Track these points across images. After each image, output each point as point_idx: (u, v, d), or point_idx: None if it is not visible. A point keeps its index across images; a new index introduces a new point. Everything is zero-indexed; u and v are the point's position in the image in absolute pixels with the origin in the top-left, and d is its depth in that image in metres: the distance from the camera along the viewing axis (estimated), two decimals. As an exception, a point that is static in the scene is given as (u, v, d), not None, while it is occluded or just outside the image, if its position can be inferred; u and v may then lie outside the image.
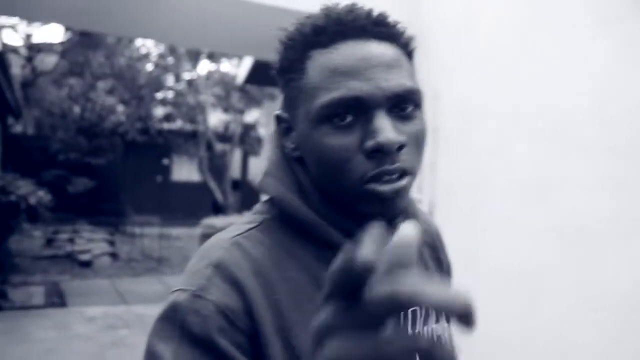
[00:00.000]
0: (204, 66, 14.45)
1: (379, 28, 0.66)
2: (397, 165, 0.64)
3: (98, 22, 4.60)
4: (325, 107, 0.64)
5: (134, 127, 13.80)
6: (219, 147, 14.45)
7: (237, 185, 15.53)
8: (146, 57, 14.02)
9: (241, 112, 14.48)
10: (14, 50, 17.56)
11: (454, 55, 3.99)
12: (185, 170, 16.12)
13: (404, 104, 0.66)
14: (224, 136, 14.92)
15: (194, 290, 0.61)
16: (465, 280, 3.35)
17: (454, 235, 3.88)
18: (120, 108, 14.06)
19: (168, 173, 16.24)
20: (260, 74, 7.18)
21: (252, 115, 15.34)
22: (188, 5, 3.74)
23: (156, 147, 15.14)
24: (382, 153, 0.63)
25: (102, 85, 13.87)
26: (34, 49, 16.40)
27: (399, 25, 0.69)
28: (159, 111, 15.02)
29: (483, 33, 3.78)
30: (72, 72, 14.45)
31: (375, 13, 0.68)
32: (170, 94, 14.84)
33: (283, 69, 0.70)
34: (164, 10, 3.90)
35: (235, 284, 0.62)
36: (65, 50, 15.36)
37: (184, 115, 14.32)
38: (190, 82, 14.08)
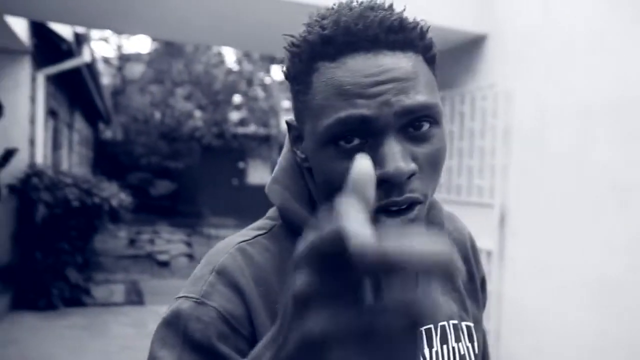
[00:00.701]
0: (277, 71, 14.74)
1: (393, 36, 0.59)
2: (405, 196, 0.58)
3: (179, 31, 4.82)
4: (329, 129, 0.58)
5: (210, 131, 14.31)
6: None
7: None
8: (222, 63, 14.51)
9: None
10: (106, 60, 18.76)
11: (529, 54, 3.79)
12: (259, 174, 16.49)
13: (419, 121, 0.60)
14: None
15: (196, 298, 0.60)
16: (539, 289, 3.17)
17: (526, 242, 3.71)
18: (198, 113, 14.64)
19: (244, 176, 16.68)
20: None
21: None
22: (262, 13, 3.82)
23: (231, 151, 15.61)
24: (389, 183, 0.57)
25: (180, 91, 14.50)
26: (124, 59, 17.43)
27: (417, 30, 0.62)
28: (234, 116, 15.48)
29: (559, 29, 3.56)
30: (154, 80, 15.23)
31: (391, 18, 0.60)
32: (244, 99, 15.26)
33: (290, 78, 0.65)
34: (239, 18, 4.00)
35: (238, 290, 0.61)
36: (151, 59, 16.22)
37: (258, 119, 14.66)
38: (264, 87, 14.40)
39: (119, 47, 17.42)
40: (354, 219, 0.30)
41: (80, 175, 6.38)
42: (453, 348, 0.70)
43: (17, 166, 5.52)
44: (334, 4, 0.63)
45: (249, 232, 0.69)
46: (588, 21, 3.34)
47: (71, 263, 5.57)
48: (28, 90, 6.11)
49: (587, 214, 3.26)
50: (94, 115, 13.42)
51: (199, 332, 0.58)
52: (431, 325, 0.69)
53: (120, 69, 17.38)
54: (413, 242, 0.29)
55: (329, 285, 0.31)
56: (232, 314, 0.59)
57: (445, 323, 0.71)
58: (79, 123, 11.70)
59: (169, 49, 15.02)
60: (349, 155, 0.58)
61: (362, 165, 0.33)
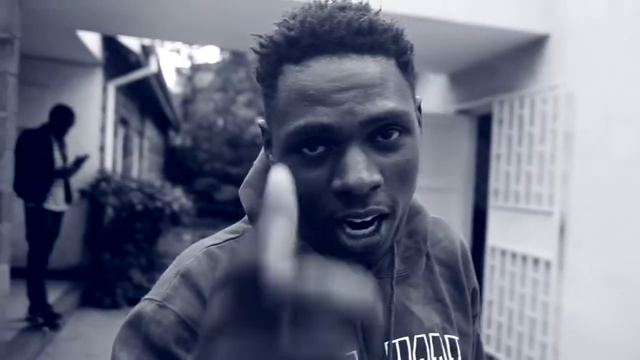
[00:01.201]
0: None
1: (361, 39, 0.56)
2: (368, 208, 0.56)
3: (244, 41, 4.96)
4: (290, 137, 0.57)
5: (272, 137, 14.57)
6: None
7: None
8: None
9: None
10: (178, 70, 19.54)
11: (592, 54, 3.60)
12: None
13: (386, 130, 0.57)
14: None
15: (159, 301, 0.60)
16: (603, 302, 3.01)
17: (589, 253, 3.52)
18: (259, 120, 14.97)
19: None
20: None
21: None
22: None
23: (292, 157, 15.78)
24: (351, 195, 0.55)
25: (241, 99, 14.85)
26: (194, 69, 18.09)
27: (390, 32, 0.58)
28: (294, 122, 15.75)
29: (625, 28, 3.35)
30: (220, 88, 15.71)
31: (360, 20, 0.56)
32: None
33: (259, 79, 0.63)
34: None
35: (199, 294, 0.60)
36: (219, 68, 16.75)
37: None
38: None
39: (190, 57, 18.09)
40: (275, 249, 0.28)
41: (145, 180, 6.67)
42: None
43: (88, 172, 5.84)
44: (307, 3, 0.61)
45: (221, 235, 0.68)
46: (655, 17, 3.13)
47: (135, 264, 5.82)
48: (99, 100, 6.46)
49: (654, 223, 3.04)
50: (163, 123, 14.00)
51: (158, 335, 0.58)
52: (406, 338, 0.65)
53: (190, 78, 18.04)
54: (334, 284, 0.28)
55: (242, 315, 0.29)
56: (192, 318, 0.58)
57: (423, 335, 0.67)
58: (150, 130, 12.22)
59: (236, 58, 15.45)
60: (314, 163, 0.57)
61: (278, 178, 0.30)
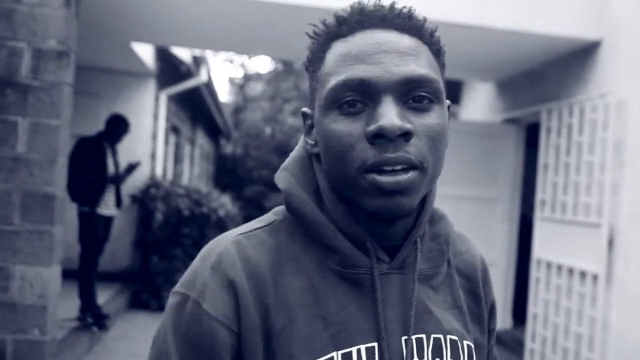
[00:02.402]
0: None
1: (400, 20, 0.63)
2: (399, 153, 0.59)
3: (292, 51, 5.06)
4: (332, 91, 0.62)
5: (318, 145, 14.69)
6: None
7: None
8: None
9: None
10: (231, 80, 19.96)
11: (643, 60, 3.46)
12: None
13: (418, 93, 0.61)
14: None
15: (194, 297, 0.62)
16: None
17: (638, 266, 3.36)
18: (304, 128, 15.15)
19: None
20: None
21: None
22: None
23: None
24: (384, 139, 0.59)
25: (288, 107, 15.01)
26: (246, 78, 18.44)
27: (426, 24, 0.66)
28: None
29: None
30: (268, 97, 15.96)
31: (402, 8, 0.65)
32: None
33: (308, 61, 0.69)
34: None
35: (230, 286, 0.62)
36: (270, 78, 17.01)
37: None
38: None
39: (243, 67, 18.44)
40: None
41: (193, 187, 6.84)
42: None
43: (139, 178, 6.06)
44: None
45: (250, 224, 0.70)
46: None
47: (182, 268, 5.97)
48: (151, 109, 6.71)
49: None
50: (215, 131, 14.33)
51: (198, 335, 0.61)
52: (423, 336, 0.66)
53: (242, 87, 18.39)
54: None
55: None
56: (224, 314, 0.61)
57: (440, 336, 0.67)
58: (201, 139, 12.54)
59: (286, 68, 15.65)
60: (350, 118, 0.61)
61: None
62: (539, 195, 4.43)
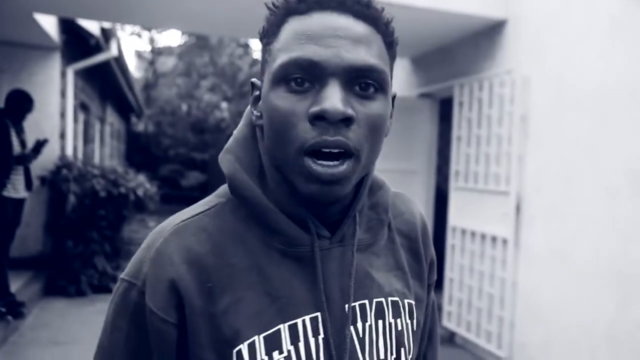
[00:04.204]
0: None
1: (358, 7, 0.65)
2: (338, 137, 0.61)
3: (204, 25, 4.92)
4: (282, 67, 0.63)
5: (236, 122, 14.49)
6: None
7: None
8: (247, 54, 14.62)
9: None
10: (139, 54, 19.03)
11: (546, 39, 3.73)
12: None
13: (365, 81, 0.63)
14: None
15: (139, 287, 0.65)
16: (554, 277, 3.17)
17: (542, 230, 3.67)
18: (224, 105, 14.81)
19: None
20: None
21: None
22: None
23: (258, 141, 15.75)
24: (326, 122, 0.60)
25: (205, 83, 14.66)
26: (155, 53, 17.65)
27: (382, 14, 0.67)
28: (260, 106, 15.67)
29: (578, 13, 3.49)
30: (184, 73, 15.46)
31: None
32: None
33: (263, 34, 0.70)
34: (261, 10, 4.05)
35: (169, 281, 0.64)
36: (181, 52, 16.42)
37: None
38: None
39: (152, 41, 17.66)
40: None
41: (108, 166, 6.57)
42: (390, 323, 0.72)
43: (48, 158, 5.72)
44: None
45: (195, 207, 0.72)
46: (607, 5, 3.26)
47: (100, 252, 5.76)
48: (58, 85, 6.31)
49: (603, 201, 3.21)
50: (125, 109, 13.72)
51: (142, 322, 0.65)
52: (366, 301, 0.71)
53: (152, 62, 17.64)
54: None
55: None
56: (165, 310, 0.64)
57: (382, 299, 0.72)
58: (111, 116, 11.99)
59: (199, 42, 15.19)
60: (297, 96, 0.62)
61: None
62: (453, 166, 4.68)
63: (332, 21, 0.63)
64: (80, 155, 7.58)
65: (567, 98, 3.53)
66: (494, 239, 4.09)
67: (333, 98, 0.60)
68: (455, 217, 4.60)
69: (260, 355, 0.64)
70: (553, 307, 3.55)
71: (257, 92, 0.72)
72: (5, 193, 4.31)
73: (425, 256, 0.83)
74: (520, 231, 3.85)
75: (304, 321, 0.66)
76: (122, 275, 0.69)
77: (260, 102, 0.69)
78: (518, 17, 4.01)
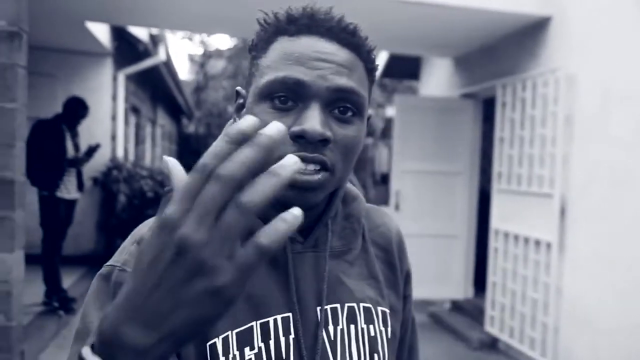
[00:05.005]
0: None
1: (344, 35, 0.69)
2: (316, 154, 0.65)
3: (251, 30, 5.00)
4: (269, 84, 0.66)
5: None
6: (361, 141, 14.72)
7: (385, 179, 15.65)
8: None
9: (382, 106, 14.53)
10: (191, 58, 19.49)
11: (593, 36, 3.60)
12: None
13: (344, 105, 0.67)
14: (367, 131, 15.09)
15: (119, 267, 0.67)
16: (601, 282, 3.08)
17: (588, 234, 3.55)
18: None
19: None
20: (395, 68, 7.16)
21: (393, 110, 15.31)
22: (325, 3, 3.89)
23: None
24: (305, 141, 0.64)
25: (250, 86, 14.88)
26: (206, 56, 18.06)
27: (366, 43, 0.72)
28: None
29: (625, 9, 3.35)
30: (229, 75, 15.73)
31: (348, 23, 0.70)
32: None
33: (252, 47, 0.74)
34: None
35: None
36: (230, 55, 16.73)
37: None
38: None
39: (203, 44, 18.06)
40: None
41: (156, 168, 6.78)
42: (362, 329, 0.75)
43: (100, 160, 5.97)
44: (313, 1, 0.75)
45: None
46: (654, -2, 3.12)
47: (148, 250, 5.95)
48: (110, 90, 6.57)
49: (652, 204, 3.07)
50: (176, 111, 14.10)
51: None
52: (337, 305, 0.73)
53: (202, 65, 18.04)
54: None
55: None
56: None
57: (354, 304, 0.75)
58: (162, 118, 12.34)
59: (247, 45, 15.44)
60: (280, 113, 0.66)
61: (275, 125, 0.39)
62: (495, 167, 4.58)
63: (319, 46, 0.67)
64: (131, 156, 7.86)
65: (614, 97, 3.39)
66: (537, 242, 3.97)
67: (313, 120, 0.64)
68: (498, 219, 4.50)
69: (233, 350, 0.67)
70: (600, 312, 3.42)
71: (242, 101, 0.75)
72: (59, 194, 4.52)
73: (401, 268, 0.85)
74: (565, 235, 3.73)
75: (275, 320, 0.69)
76: (105, 264, 0.70)
77: (244, 112, 0.72)
78: (564, 14, 3.89)
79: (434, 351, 4.42)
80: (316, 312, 0.71)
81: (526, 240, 4.11)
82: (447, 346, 4.61)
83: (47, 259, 4.53)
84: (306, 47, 0.67)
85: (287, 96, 0.66)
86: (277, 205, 0.67)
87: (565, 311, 3.72)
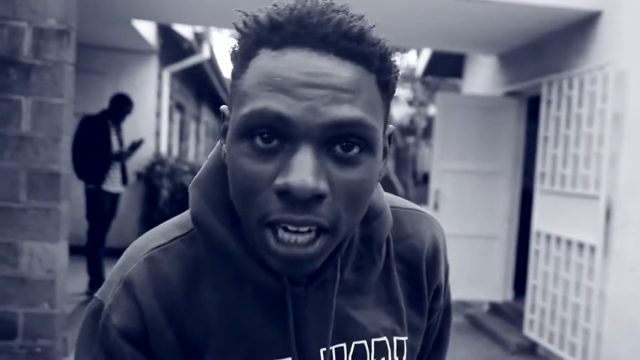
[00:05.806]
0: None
1: (346, 43, 0.52)
2: (306, 217, 0.52)
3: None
4: (245, 118, 0.53)
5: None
6: (403, 140, 14.56)
7: (427, 178, 15.48)
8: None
9: (424, 104, 14.35)
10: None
11: (643, 31, 3.44)
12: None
13: (348, 141, 0.53)
14: (409, 129, 14.94)
15: (106, 310, 0.61)
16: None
17: (635, 238, 3.40)
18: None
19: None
20: (438, 66, 7.07)
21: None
22: (368, 2, 3.88)
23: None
24: (292, 197, 0.51)
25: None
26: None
27: (378, 47, 0.55)
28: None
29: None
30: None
31: (351, 24, 0.53)
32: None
33: (232, 57, 0.59)
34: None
35: (139, 307, 0.61)
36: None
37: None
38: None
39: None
40: None
41: (198, 163, 6.91)
42: None
43: (144, 155, 6.13)
44: None
45: (169, 230, 0.66)
46: None
47: (188, 244, 6.08)
48: (155, 86, 6.74)
49: None
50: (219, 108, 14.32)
51: (107, 346, 0.61)
52: (343, 345, 0.65)
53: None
54: None
55: None
56: (131, 330, 0.60)
57: (364, 341, 0.66)
58: (207, 115, 12.57)
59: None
60: (263, 156, 0.53)
61: None
62: (538, 167, 4.45)
63: (310, 64, 0.52)
64: (175, 152, 8.04)
65: (666, 95, 3.24)
66: (581, 245, 3.83)
67: (302, 170, 0.50)
68: (540, 221, 4.37)
69: None
70: (645, 322, 3.28)
71: (227, 123, 0.60)
72: (104, 187, 4.67)
73: (429, 284, 0.73)
74: (611, 238, 3.59)
75: None
76: (96, 294, 0.65)
77: (225, 147, 0.60)
78: (615, 8, 3.73)
79: (470, 352, 4.35)
80: (319, 354, 0.63)
81: (569, 242, 3.98)
82: (484, 349, 4.52)
83: (92, 251, 4.69)
84: (292, 67, 0.51)
85: (271, 133, 0.52)
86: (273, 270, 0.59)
87: (608, 317, 3.58)
